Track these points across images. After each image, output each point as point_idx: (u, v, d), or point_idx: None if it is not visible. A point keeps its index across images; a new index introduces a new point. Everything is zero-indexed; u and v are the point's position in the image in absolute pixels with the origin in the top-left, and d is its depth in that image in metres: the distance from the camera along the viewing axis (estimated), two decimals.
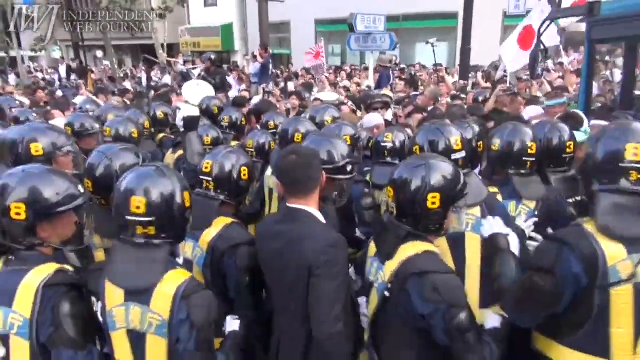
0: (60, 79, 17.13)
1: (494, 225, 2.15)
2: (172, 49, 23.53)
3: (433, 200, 1.90)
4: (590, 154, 1.88)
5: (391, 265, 1.94)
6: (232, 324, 2.08)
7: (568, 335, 1.88)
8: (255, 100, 7.47)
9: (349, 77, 13.49)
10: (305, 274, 1.94)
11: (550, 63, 11.08)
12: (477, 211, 2.28)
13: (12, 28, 20.35)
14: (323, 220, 2.10)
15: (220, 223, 2.33)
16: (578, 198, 2.53)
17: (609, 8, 4.53)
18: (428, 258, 1.90)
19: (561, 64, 10.59)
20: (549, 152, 2.72)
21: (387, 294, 1.94)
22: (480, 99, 6.22)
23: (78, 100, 6.95)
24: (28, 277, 1.74)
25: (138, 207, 1.75)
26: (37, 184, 1.80)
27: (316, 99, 6.65)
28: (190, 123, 2.75)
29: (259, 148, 3.57)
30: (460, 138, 2.38)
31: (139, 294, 1.76)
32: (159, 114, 4.71)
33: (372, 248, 2.11)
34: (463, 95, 6.86)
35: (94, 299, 1.89)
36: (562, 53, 9.22)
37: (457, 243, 2.27)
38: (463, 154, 2.35)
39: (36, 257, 1.81)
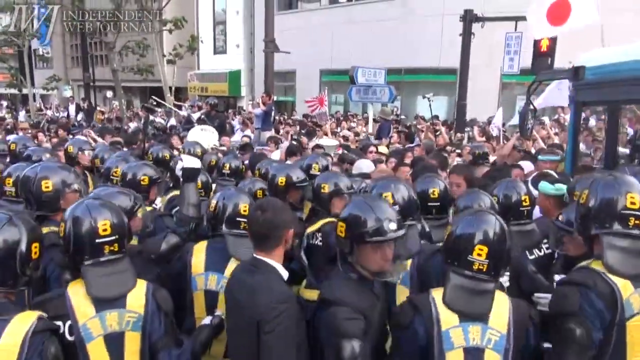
0: (68, 117, 17.56)
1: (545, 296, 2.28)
2: (180, 92, 24.21)
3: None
4: (590, 202, 2.10)
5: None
6: (206, 319, 2.32)
7: None
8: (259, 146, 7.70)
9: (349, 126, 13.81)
10: (255, 328, 1.99)
11: (546, 119, 11.39)
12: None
13: (27, 67, 21.15)
14: (284, 275, 2.17)
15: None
16: (540, 253, 2.64)
17: (592, 72, 4.74)
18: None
19: (557, 120, 10.89)
20: (508, 207, 2.96)
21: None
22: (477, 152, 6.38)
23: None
24: (11, 325, 1.80)
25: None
26: None
27: (317, 146, 6.85)
28: (190, 174, 2.80)
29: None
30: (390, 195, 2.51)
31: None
32: (161, 155, 4.85)
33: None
34: (458, 151, 7.03)
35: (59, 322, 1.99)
36: (559, 111, 9.49)
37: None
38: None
39: (8, 305, 1.87)
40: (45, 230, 2.49)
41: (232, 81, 24.97)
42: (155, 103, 15.94)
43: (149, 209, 3.14)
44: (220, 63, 25.22)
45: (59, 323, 1.98)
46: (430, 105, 10.05)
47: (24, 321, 1.82)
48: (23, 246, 1.87)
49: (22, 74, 22.15)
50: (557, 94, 7.14)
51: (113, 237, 2.06)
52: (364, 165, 4.77)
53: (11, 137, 7.03)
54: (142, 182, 3.24)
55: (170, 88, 17.71)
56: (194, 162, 2.84)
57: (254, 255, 2.18)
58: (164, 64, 17.91)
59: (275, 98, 16.81)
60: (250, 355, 2.02)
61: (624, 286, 1.93)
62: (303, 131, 10.85)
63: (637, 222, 2.00)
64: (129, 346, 2.06)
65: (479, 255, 1.94)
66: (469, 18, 10.14)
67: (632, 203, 1.99)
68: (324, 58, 20.77)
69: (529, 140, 7.08)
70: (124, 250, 2.12)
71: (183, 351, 2.12)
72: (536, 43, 9.87)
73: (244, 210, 2.54)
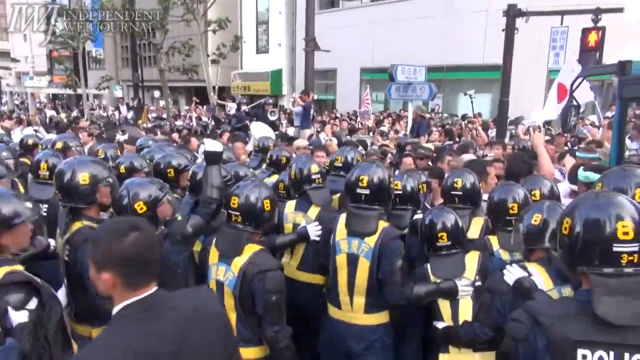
0: (120, 116, 18.40)
1: (512, 271, 2.29)
2: (224, 92, 24.77)
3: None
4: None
5: None
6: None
7: None
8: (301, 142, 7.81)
9: (393, 123, 13.78)
10: None
11: (594, 118, 10.95)
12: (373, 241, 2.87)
13: (81, 68, 22.22)
14: None
15: (250, 250, 2.61)
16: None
17: (639, 67, 4.57)
18: None
19: (607, 117, 10.47)
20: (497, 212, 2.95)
21: None
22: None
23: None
24: None
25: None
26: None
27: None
28: (212, 156, 2.87)
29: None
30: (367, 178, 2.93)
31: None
32: None
33: None
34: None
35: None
36: (597, 109, 9.13)
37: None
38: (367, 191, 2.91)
39: None
40: (78, 225, 2.63)
41: (274, 80, 25.30)
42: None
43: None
44: (263, 62, 25.61)
45: None
46: (472, 103, 9.89)
47: None
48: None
49: (76, 75, 23.30)
50: (585, 89, 6.92)
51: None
52: None
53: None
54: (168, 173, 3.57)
55: (214, 87, 18.15)
56: (216, 146, 2.91)
57: None
58: (208, 64, 18.39)
59: (316, 96, 16.98)
60: None
61: None
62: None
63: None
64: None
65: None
66: (512, 13, 9.87)
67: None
68: (364, 56, 20.73)
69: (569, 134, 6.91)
70: None
71: None
72: (584, 38, 9.56)
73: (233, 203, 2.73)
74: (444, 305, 2.76)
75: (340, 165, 4.05)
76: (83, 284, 2.41)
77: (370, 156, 5.48)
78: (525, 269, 2.29)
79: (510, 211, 2.87)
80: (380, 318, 2.94)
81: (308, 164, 3.59)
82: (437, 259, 2.83)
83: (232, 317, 2.61)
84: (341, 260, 2.96)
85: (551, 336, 1.56)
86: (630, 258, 1.56)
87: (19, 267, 2.05)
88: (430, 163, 5.23)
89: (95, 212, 2.72)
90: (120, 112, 20.72)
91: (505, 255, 2.86)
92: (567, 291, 2.24)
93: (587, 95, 6.30)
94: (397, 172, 4.92)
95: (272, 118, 10.60)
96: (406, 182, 3.43)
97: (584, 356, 1.54)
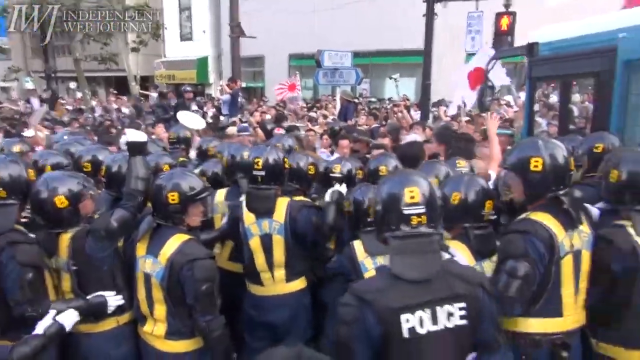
0: (32, 109, 17.03)
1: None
2: (147, 81, 23.72)
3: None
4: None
5: None
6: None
7: (532, 307, 2.27)
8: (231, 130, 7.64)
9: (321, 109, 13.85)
10: None
11: (510, 99, 11.63)
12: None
13: None
14: None
15: (178, 240, 2.53)
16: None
17: (546, 48, 4.89)
18: None
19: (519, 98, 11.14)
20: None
21: None
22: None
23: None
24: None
25: None
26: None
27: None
28: (136, 147, 2.73)
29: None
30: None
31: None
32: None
33: None
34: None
35: None
36: (512, 90, 9.75)
37: None
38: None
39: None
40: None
41: (200, 68, 24.57)
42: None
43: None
44: (188, 50, 24.75)
45: None
46: (397, 87, 10.17)
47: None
48: None
49: None
50: (500, 74, 7.32)
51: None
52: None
53: None
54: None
55: (135, 77, 17.33)
56: (139, 136, 2.79)
57: None
58: (128, 52, 17.51)
59: (244, 84, 16.70)
60: None
61: (558, 231, 2.25)
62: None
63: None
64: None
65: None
66: None
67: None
68: (292, 43, 20.62)
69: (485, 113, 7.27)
70: None
71: None
72: (496, 22, 10.09)
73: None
74: None
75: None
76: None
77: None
78: (447, 249, 2.34)
79: None
80: (300, 284, 3.17)
81: (240, 151, 3.55)
82: (368, 235, 2.79)
83: (162, 309, 2.55)
84: (255, 243, 3.10)
85: (377, 309, 1.73)
86: (419, 219, 1.81)
87: None
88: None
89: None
90: (33, 106, 19.20)
91: None
92: (487, 265, 2.41)
93: (502, 78, 6.66)
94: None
95: (193, 109, 10.22)
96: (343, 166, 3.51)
97: (407, 319, 1.73)
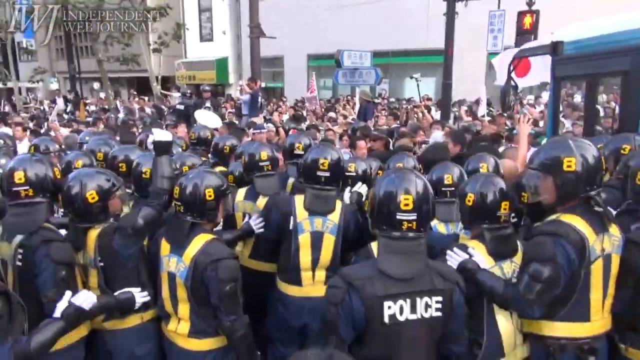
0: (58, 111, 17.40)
1: (453, 255, 2.36)
2: (168, 82, 24.02)
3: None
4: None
5: None
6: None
7: (558, 310, 2.25)
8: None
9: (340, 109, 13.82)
10: None
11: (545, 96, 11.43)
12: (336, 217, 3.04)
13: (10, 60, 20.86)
14: None
15: (202, 240, 2.54)
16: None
17: (571, 47, 4.80)
18: None
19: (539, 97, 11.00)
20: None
21: None
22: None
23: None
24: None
25: None
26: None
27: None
28: (162, 146, 2.76)
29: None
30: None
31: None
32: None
33: None
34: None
35: None
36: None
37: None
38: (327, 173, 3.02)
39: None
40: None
41: (220, 68, 24.78)
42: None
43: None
44: (208, 51, 24.99)
45: None
46: (418, 86, 10.07)
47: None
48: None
49: (5, 67, 21.88)
50: (542, 70, 7.16)
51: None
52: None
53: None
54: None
55: (157, 77, 17.56)
56: (165, 135, 2.81)
57: None
58: (150, 53, 17.76)
59: (263, 84, 16.78)
60: None
61: (589, 234, 2.20)
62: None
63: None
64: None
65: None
66: None
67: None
68: (311, 43, 20.66)
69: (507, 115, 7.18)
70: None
71: None
72: (519, 21, 9.95)
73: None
74: None
75: (302, 152, 3.86)
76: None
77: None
78: (465, 249, 2.36)
79: (446, 182, 2.99)
80: None
81: (258, 150, 3.55)
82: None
83: (186, 308, 2.57)
84: (304, 239, 3.02)
85: (363, 295, 1.93)
86: (410, 225, 1.99)
87: None
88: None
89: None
90: (59, 107, 19.61)
91: (441, 228, 2.93)
92: (507, 265, 2.37)
93: (544, 75, 6.45)
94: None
95: (205, 106, 10.24)
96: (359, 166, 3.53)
97: (389, 307, 1.93)
